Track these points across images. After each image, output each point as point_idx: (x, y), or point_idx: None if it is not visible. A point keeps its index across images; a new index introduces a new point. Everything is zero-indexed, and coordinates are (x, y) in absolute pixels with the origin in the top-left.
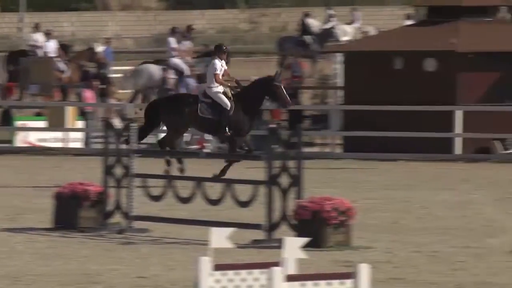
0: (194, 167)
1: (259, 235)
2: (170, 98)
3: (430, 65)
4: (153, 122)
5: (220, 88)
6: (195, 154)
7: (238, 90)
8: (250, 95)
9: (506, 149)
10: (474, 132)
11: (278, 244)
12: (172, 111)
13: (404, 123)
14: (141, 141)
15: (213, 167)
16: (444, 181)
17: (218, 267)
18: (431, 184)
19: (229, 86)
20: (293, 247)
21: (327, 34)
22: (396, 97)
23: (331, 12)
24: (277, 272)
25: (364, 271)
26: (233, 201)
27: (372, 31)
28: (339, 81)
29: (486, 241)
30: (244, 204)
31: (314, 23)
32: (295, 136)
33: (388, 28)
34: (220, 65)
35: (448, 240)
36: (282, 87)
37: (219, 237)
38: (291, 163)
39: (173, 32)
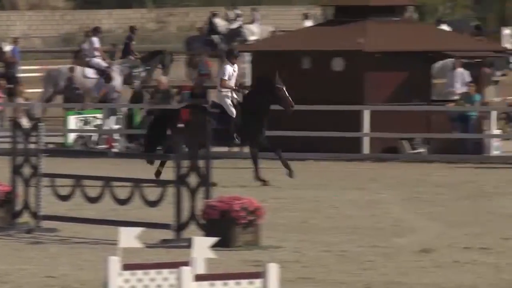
0: (103, 167)
1: (168, 234)
2: (177, 111)
3: (337, 64)
4: (160, 134)
5: (228, 93)
6: (104, 154)
7: (242, 94)
8: (255, 100)
9: (413, 148)
10: (382, 131)
11: (187, 244)
12: (178, 124)
13: (312, 123)
14: (151, 152)
15: (122, 167)
16: (352, 180)
17: (127, 267)
18: (340, 184)
19: (236, 90)
20: (202, 246)
21: (235, 34)
22: (304, 96)
23: (238, 12)
24: (186, 272)
25: (273, 270)
26: (141, 201)
27: (269, 30)
28: (247, 80)
29: (395, 241)
30: (152, 204)
31: (221, 23)
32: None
33: (295, 28)
34: (231, 70)
35: (357, 240)
36: (284, 89)
37: (128, 237)
38: (199, 163)
39: (96, 31)
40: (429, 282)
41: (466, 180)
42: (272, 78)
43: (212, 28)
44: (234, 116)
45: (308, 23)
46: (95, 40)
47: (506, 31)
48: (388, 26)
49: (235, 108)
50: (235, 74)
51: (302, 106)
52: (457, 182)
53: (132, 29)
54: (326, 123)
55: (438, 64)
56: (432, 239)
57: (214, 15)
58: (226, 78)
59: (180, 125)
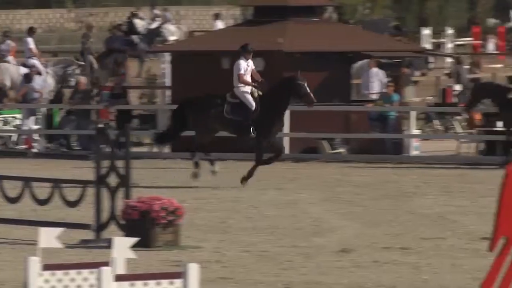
0: (23, 167)
1: (88, 235)
2: (197, 99)
3: (257, 64)
4: (181, 124)
5: (247, 88)
6: (23, 154)
7: (262, 90)
8: (275, 96)
9: (333, 148)
10: (302, 132)
11: (107, 244)
12: (198, 112)
13: None
14: (171, 142)
15: (42, 167)
16: (272, 180)
17: (47, 267)
18: (260, 184)
19: (255, 86)
20: (122, 247)
21: (154, 34)
22: None
23: (157, 12)
24: (107, 272)
25: (193, 270)
26: (61, 201)
27: (184, 30)
28: (167, 80)
29: (314, 241)
30: (72, 204)
31: (140, 23)
32: (123, 135)
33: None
34: (245, 65)
35: (276, 240)
36: (306, 85)
37: (48, 237)
38: (119, 163)
39: (31, 32)
40: (349, 282)
41: (385, 180)
42: (294, 75)
43: (131, 28)
44: (253, 109)
45: (219, 24)
46: (30, 41)
47: (425, 31)
48: (308, 26)
49: (254, 101)
50: (249, 69)
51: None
52: (377, 182)
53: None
54: None
55: (357, 64)
56: (352, 239)
57: (133, 15)
58: (242, 72)
59: (100, 125)
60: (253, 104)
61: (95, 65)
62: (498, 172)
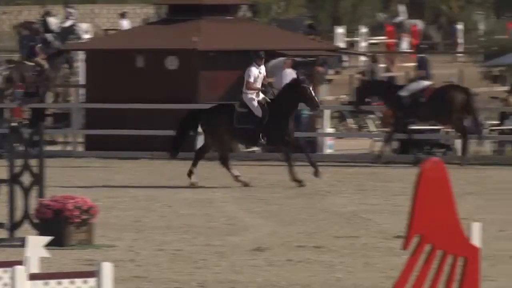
0: None
1: (1, 233)
2: (209, 110)
3: (172, 63)
4: (187, 131)
5: (255, 95)
6: None
7: (270, 95)
8: (283, 101)
9: (248, 147)
10: None
11: (20, 243)
12: (210, 122)
13: (147, 122)
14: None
15: None
16: (186, 179)
17: None
18: (174, 183)
19: (262, 90)
20: (36, 245)
21: (68, 32)
22: (139, 95)
23: (71, 10)
24: (20, 271)
25: (107, 269)
26: None
27: (89, 29)
28: (81, 79)
29: (228, 239)
30: None
31: (54, 21)
32: (37, 134)
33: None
34: (257, 72)
35: (191, 238)
36: (311, 89)
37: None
38: (33, 162)
39: None
40: (263, 281)
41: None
42: (300, 78)
43: (45, 27)
44: (261, 117)
45: (125, 22)
46: None
47: (339, 30)
48: (222, 25)
49: (263, 108)
50: (261, 75)
51: (136, 105)
52: (291, 181)
53: None
54: (161, 122)
55: (272, 63)
56: (266, 237)
57: (47, 13)
58: (251, 80)
59: (14, 124)
60: (261, 111)
61: (46, 66)
62: (412, 171)
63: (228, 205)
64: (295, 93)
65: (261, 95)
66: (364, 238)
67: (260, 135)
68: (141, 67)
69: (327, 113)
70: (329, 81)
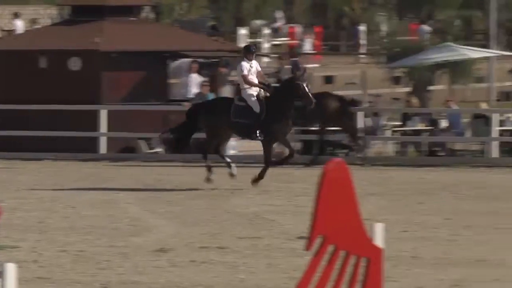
0: None
1: None
2: (208, 103)
3: (74, 64)
4: (192, 128)
5: (253, 90)
6: None
7: (268, 90)
8: (280, 98)
9: (151, 148)
10: (120, 131)
11: None
12: (209, 116)
13: (51, 122)
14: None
15: None
16: (89, 180)
17: None
18: (78, 184)
19: (262, 87)
20: None
21: None
22: (42, 96)
23: None
24: None
25: (11, 270)
26: None
27: None
28: None
29: (131, 240)
30: None
31: None
32: None
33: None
34: (248, 66)
35: (94, 239)
36: (305, 85)
37: None
38: None
39: None
40: (166, 282)
41: (203, 179)
42: (295, 75)
43: None
44: (259, 112)
45: (19, 23)
46: None
47: (242, 31)
48: (125, 26)
49: (260, 103)
50: (254, 69)
51: (39, 106)
52: (194, 182)
53: None
54: (64, 123)
55: (175, 64)
56: (169, 238)
57: None
58: (245, 73)
59: None
60: (259, 107)
61: None
62: (314, 171)
63: (132, 206)
64: (290, 89)
65: (260, 91)
66: (267, 239)
67: (257, 131)
68: (44, 67)
69: None
70: (232, 82)
